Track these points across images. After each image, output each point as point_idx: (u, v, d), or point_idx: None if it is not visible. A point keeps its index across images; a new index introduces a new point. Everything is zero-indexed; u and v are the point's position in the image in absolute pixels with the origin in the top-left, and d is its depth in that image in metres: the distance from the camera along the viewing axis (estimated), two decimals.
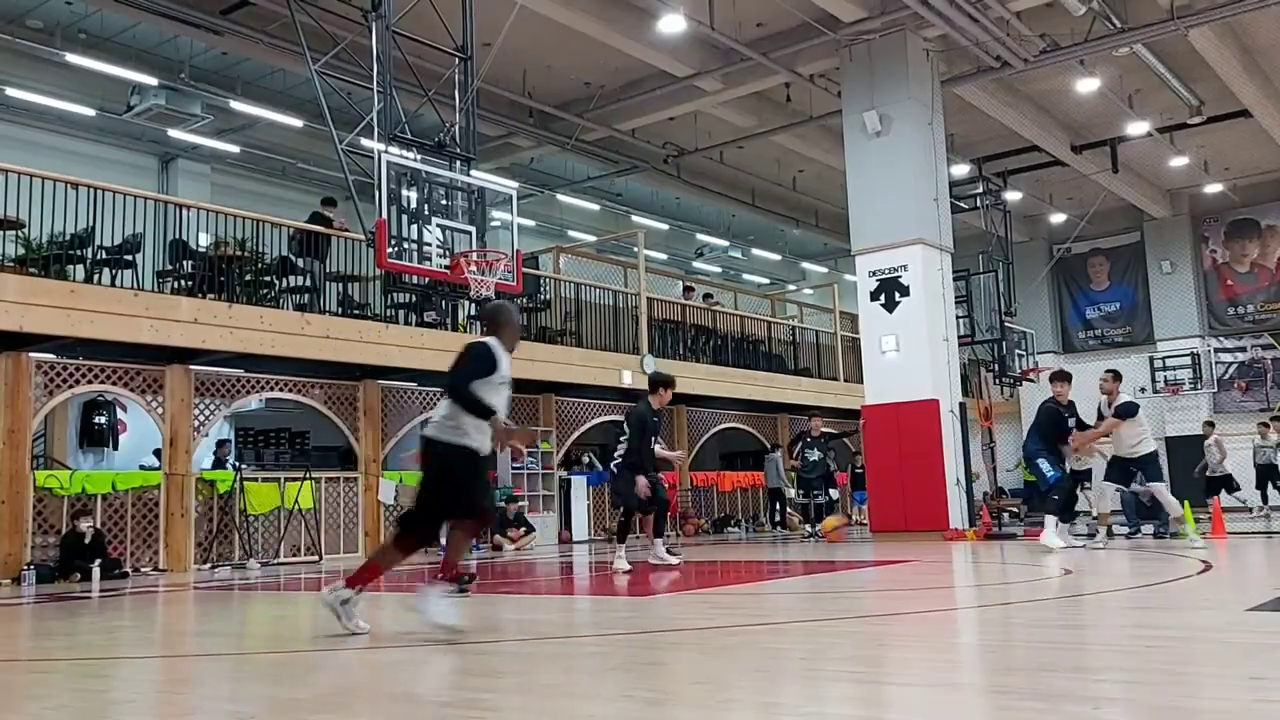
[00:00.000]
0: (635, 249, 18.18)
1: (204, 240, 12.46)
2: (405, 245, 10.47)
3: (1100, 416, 10.96)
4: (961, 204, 19.22)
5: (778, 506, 18.01)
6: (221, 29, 13.78)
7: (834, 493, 16.39)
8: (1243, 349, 24.64)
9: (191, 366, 12.12)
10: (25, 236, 11.02)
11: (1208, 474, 18.14)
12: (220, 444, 14.05)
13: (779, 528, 17.74)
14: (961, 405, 14.46)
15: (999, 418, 20.44)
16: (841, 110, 15.36)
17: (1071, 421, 10.68)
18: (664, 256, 25.09)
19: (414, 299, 13.99)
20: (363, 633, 5.15)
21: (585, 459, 18.51)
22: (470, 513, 5.34)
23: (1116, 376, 11.10)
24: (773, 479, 17.97)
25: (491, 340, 5.53)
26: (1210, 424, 19.37)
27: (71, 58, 14.62)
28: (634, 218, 23.19)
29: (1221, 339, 24.84)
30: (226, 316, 11.69)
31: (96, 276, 11.36)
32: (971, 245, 20.63)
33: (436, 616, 5.11)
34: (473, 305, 14.13)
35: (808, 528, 15.47)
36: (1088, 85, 17.06)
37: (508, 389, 5.49)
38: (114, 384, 11.80)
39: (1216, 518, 12.32)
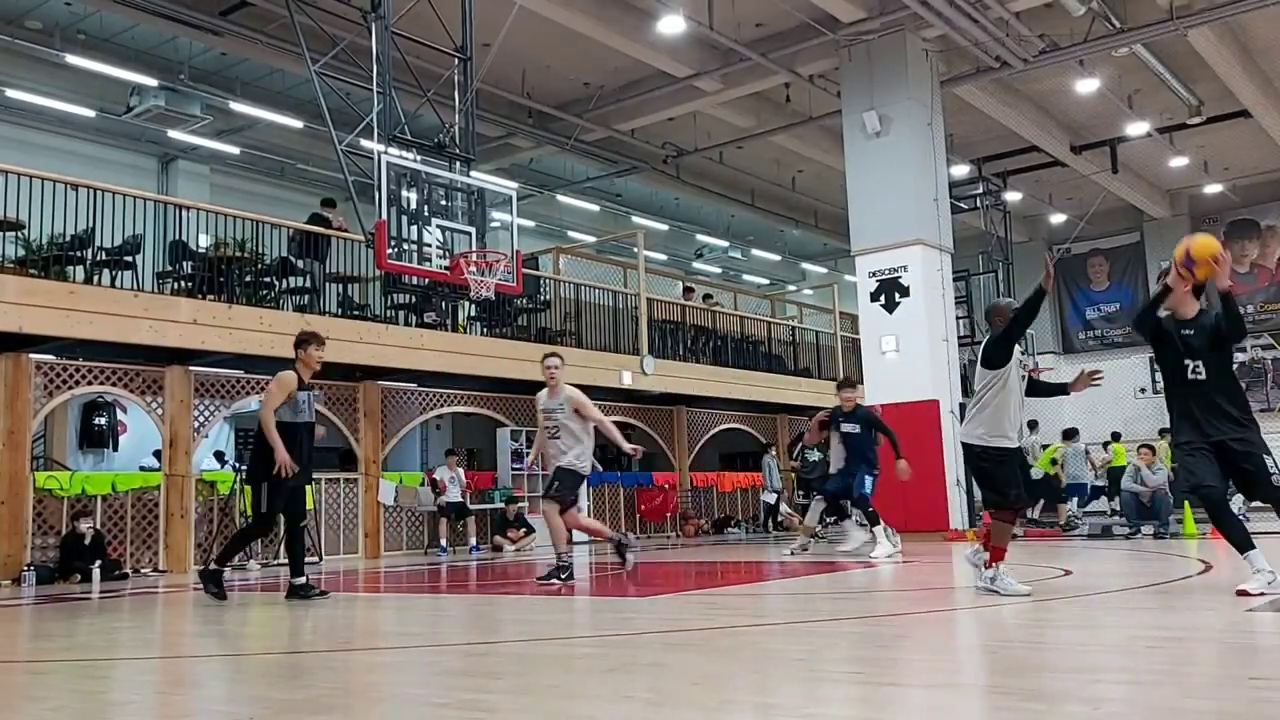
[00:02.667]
0: (635, 249, 18.18)
1: (203, 241, 12.46)
2: (405, 246, 10.47)
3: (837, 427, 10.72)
4: (961, 204, 19.23)
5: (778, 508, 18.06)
6: (221, 29, 13.77)
7: None
8: (1243, 349, 24.62)
9: (191, 367, 12.12)
10: (25, 237, 11.01)
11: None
12: None
13: (779, 529, 17.74)
14: (962, 406, 14.44)
15: None
16: (841, 110, 15.37)
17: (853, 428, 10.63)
18: (664, 257, 25.09)
19: (414, 300, 14.00)
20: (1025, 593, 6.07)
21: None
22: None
23: (853, 385, 11.09)
24: (767, 482, 18.04)
25: None
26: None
27: (71, 58, 14.61)
28: (634, 218, 23.20)
29: None
30: (226, 317, 11.69)
31: (96, 277, 11.35)
32: (971, 245, 20.64)
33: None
34: (472, 306, 14.15)
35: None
36: (1087, 85, 17.05)
37: None
38: (114, 385, 11.80)
39: None
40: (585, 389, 16.32)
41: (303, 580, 7.53)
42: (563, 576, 8.23)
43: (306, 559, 8.22)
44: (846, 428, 10.61)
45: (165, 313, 11.26)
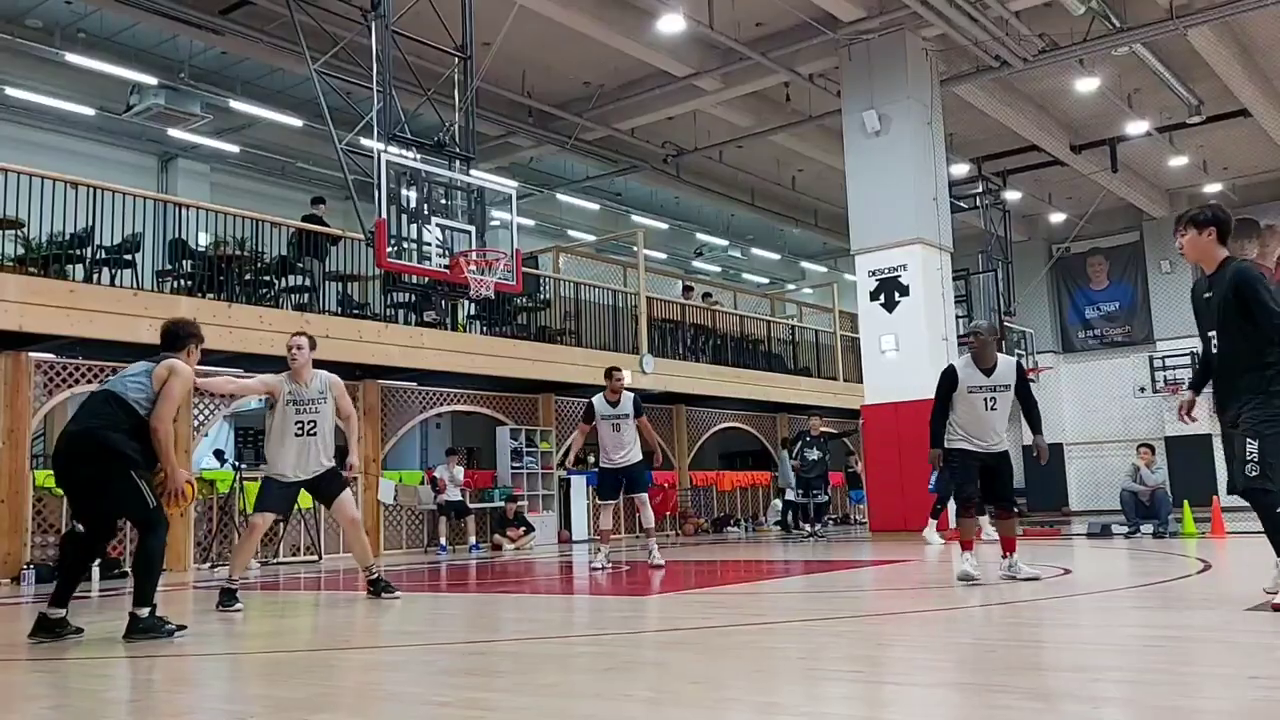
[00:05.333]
0: (635, 249, 18.18)
1: (203, 240, 12.46)
2: (405, 245, 10.47)
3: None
4: (961, 204, 19.23)
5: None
6: (221, 29, 13.77)
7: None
8: None
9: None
10: (25, 236, 11.01)
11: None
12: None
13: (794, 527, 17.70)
14: None
15: None
16: (840, 110, 15.37)
17: None
18: (663, 256, 25.10)
19: (413, 299, 14.00)
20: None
21: (590, 458, 18.45)
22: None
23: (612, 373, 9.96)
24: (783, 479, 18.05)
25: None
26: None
27: (71, 57, 14.61)
28: (633, 217, 23.19)
29: None
30: (226, 316, 11.68)
31: (96, 276, 11.36)
32: (971, 245, 20.64)
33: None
34: (472, 305, 14.15)
35: (807, 527, 15.49)
36: (1087, 85, 17.06)
37: None
38: None
39: (1216, 517, 12.33)
40: (585, 388, 16.53)
41: (62, 613, 5.78)
42: (234, 605, 6.81)
43: (306, 558, 8.09)
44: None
45: (165, 311, 11.17)
